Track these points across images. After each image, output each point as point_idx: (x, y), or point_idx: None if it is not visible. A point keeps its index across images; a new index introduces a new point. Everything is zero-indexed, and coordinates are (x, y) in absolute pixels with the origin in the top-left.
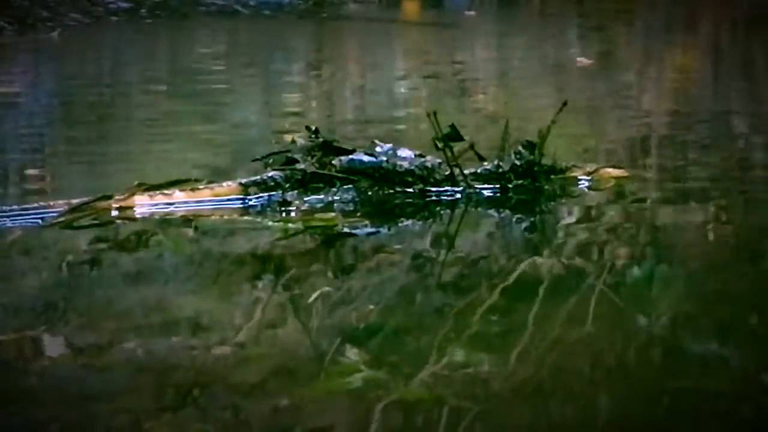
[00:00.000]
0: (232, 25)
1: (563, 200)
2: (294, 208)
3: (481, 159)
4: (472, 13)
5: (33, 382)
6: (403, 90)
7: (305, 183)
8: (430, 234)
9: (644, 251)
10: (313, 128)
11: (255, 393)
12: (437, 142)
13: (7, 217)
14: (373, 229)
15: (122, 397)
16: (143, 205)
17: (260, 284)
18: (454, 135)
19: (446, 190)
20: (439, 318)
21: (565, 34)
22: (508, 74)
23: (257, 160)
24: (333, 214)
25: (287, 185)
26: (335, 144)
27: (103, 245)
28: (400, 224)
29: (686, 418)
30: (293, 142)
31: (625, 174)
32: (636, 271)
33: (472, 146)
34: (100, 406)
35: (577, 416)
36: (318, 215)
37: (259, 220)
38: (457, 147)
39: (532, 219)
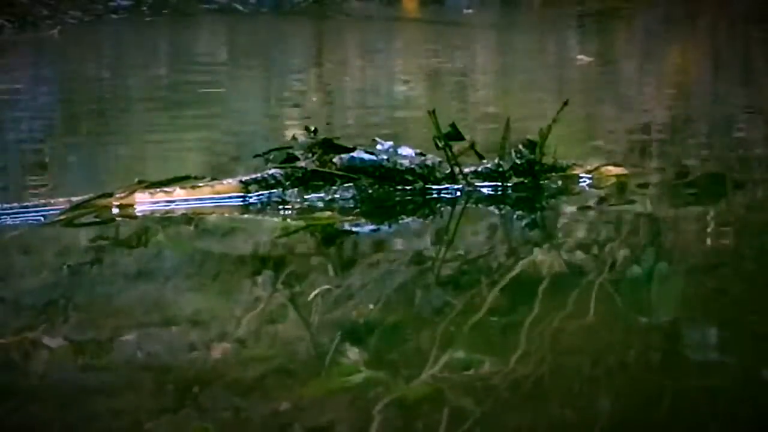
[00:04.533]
0: (233, 23)
1: (564, 198)
2: (294, 206)
3: (481, 158)
4: (471, 11)
5: (33, 380)
6: (403, 88)
7: (306, 181)
8: (430, 232)
9: (643, 249)
10: (312, 128)
11: (255, 391)
12: (438, 141)
13: (8, 214)
14: (373, 227)
15: (122, 395)
16: (144, 202)
17: (260, 282)
18: (455, 134)
19: (446, 188)
20: (439, 315)
21: (564, 31)
22: (508, 72)
23: (258, 156)
24: (330, 212)
25: (288, 183)
26: (336, 142)
27: (103, 243)
28: (400, 222)
29: (686, 418)
30: (294, 139)
31: (626, 172)
32: (635, 268)
33: (472, 145)
34: (100, 404)
35: (578, 416)
36: (318, 213)
37: (259, 217)
38: (458, 145)
39: (532, 217)
